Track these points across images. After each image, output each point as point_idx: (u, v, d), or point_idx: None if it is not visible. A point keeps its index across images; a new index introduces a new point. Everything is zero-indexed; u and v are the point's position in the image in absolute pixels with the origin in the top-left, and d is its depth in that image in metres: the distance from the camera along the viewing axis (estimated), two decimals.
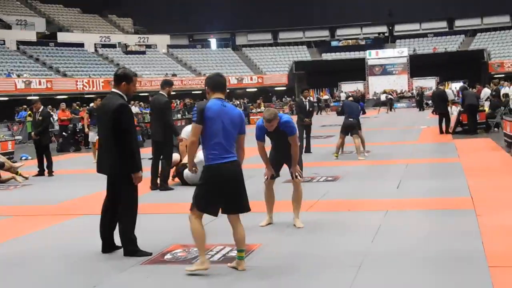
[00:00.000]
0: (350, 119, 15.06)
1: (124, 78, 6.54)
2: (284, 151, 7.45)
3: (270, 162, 7.57)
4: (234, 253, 6.20)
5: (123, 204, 6.43)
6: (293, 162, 7.47)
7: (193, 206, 5.67)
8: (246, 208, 5.75)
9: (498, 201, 8.51)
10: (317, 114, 43.64)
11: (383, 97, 44.66)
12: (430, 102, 38.06)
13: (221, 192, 5.61)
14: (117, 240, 6.54)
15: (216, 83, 5.81)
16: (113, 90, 6.57)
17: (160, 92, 11.43)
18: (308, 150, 15.84)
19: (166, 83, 11.70)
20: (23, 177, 13.75)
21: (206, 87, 5.80)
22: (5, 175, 13.73)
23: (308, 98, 16.34)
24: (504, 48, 57.77)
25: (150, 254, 6.35)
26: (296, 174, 7.52)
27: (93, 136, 16.85)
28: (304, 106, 15.79)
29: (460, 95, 25.07)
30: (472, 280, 5.08)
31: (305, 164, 8.63)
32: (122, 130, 6.27)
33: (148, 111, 34.60)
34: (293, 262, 5.93)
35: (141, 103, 37.63)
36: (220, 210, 5.75)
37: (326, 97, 52.71)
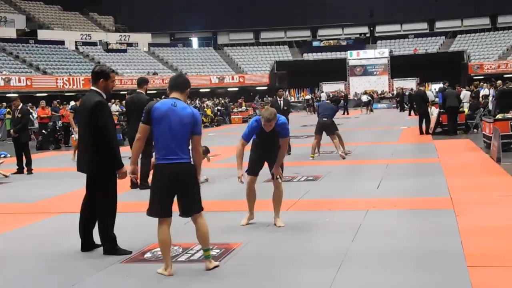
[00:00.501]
0: (324, 119, 15.10)
1: (101, 75, 6.52)
2: (269, 151, 7.44)
3: (252, 160, 7.54)
4: (214, 252, 6.20)
5: (102, 202, 6.40)
6: (276, 163, 7.45)
7: None
8: (194, 211, 5.65)
9: (477, 201, 8.58)
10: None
11: (364, 98, 44.84)
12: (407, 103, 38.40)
13: (168, 193, 5.56)
14: (97, 239, 6.50)
15: (173, 82, 5.78)
16: (92, 88, 6.55)
17: (138, 90, 11.35)
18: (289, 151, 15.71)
19: (144, 81, 11.56)
20: (3, 175, 13.63)
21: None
22: None
23: (282, 97, 16.21)
24: (484, 50, 58.35)
25: (130, 252, 6.33)
26: (277, 176, 7.50)
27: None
28: (279, 105, 15.63)
29: (440, 96, 25.26)
30: (451, 279, 5.11)
31: (285, 163, 8.57)
32: (100, 127, 6.24)
33: None
34: (273, 261, 5.93)
35: (123, 101, 37.41)
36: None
37: (308, 97, 52.78)
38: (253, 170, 7.57)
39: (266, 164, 7.65)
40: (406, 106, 41.09)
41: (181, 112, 5.52)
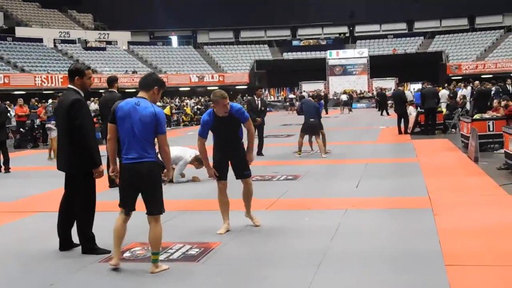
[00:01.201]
0: (311, 120, 15.13)
1: (76, 72, 6.49)
2: (230, 148, 7.19)
3: (217, 163, 7.20)
4: (194, 251, 6.20)
5: (80, 201, 6.37)
6: (248, 148, 7.29)
7: None
8: (156, 211, 5.64)
9: (455, 200, 8.64)
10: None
11: (343, 97, 44.97)
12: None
13: (129, 192, 5.65)
14: (75, 238, 6.46)
15: (142, 81, 5.80)
16: (69, 86, 6.52)
17: (110, 90, 11.27)
18: (260, 152, 15.18)
19: (113, 80, 11.39)
20: None
21: None
22: None
23: (261, 97, 16.01)
24: (462, 50, 58.88)
25: (109, 252, 6.29)
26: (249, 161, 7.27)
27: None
28: (256, 105, 15.52)
29: (416, 96, 25.41)
30: (429, 279, 5.14)
31: (265, 162, 8.63)
32: (76, 126, 6.20)
33: None
34: (252, 260, 5.94)
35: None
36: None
37: (291, 96, 52.81)
38: (220, 175, 7.23)
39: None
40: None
41: (143, 111, 5.53)
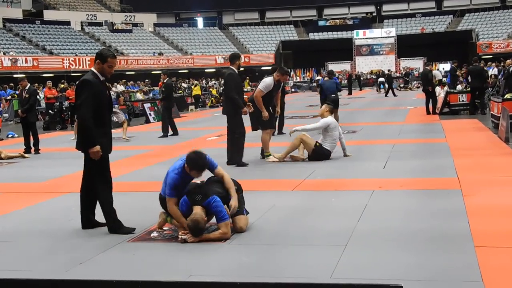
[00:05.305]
0: (332, 95, 16.72)
1: (98, 57, 6.60)
2: None
3: None
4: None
5: (95, 179, 6.52)
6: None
7: None
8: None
9: (485, 181, 8.52)
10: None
11: (381, 79, 44.35)
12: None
13: None
14: (101, 217, 6.54)
15: None
16: (92, 68, 6.67)
17: (230, 66, 11.31)
18: (280, 131, 15.57)
19: (234, 57, 11.40)
20: (25, 156, 13.75)
21: None
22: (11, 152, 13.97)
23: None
24: (493, 28, 57.91)
25: (134, 229, 6.33)
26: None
27: None
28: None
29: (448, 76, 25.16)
30: (458, 260, 5.08)
31: None
32: (77, 104, 6.43)
33: (136, 90, 34.32)
34: (279, 241, 5.91)
35: (129, 82, 37.28)
36: None
37: (318, 77, 52.57)
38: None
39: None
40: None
41: None
